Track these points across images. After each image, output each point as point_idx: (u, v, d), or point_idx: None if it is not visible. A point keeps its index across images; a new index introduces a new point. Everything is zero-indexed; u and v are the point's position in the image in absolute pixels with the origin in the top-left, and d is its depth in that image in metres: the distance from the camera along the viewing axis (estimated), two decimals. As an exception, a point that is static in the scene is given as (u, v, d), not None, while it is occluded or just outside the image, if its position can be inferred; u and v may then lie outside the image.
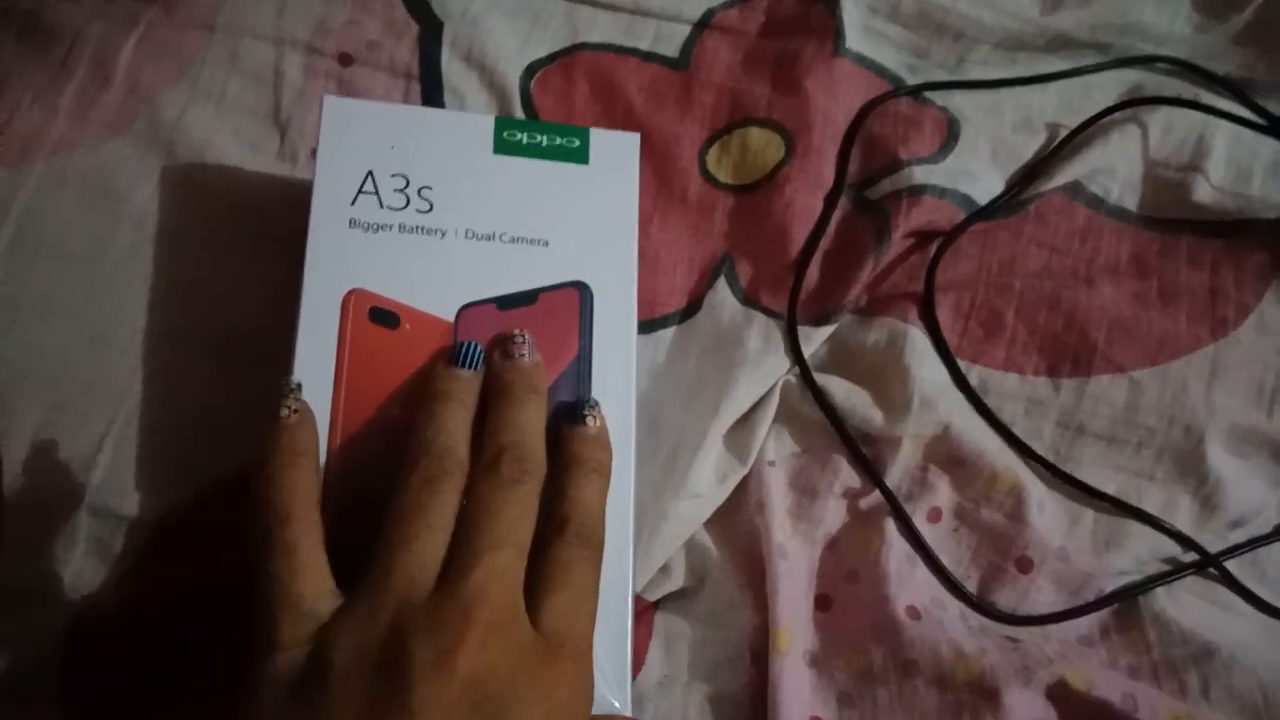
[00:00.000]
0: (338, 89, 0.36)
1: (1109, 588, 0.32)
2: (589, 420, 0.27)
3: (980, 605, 0.32)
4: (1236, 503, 0.33)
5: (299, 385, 0.26)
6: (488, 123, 0.31)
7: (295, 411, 0.26)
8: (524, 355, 0.27)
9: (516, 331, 0.28)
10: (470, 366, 0.27)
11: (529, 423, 0.26)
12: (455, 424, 0.25)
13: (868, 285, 0.36)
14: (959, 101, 0.38)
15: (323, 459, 0.27)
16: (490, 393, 0.27)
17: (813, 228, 0.36)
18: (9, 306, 0.32)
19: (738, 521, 0.33)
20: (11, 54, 0.35)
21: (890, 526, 0.32)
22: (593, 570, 0.25)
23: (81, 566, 0.30)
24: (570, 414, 0.27)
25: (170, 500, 0.31)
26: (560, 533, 0.24)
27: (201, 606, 0.30)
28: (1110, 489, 0.33)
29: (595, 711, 0.26)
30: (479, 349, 0.27)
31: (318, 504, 0.24)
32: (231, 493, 0.30)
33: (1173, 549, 0.33)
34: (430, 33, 0.37)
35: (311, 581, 0.23)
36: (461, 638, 0.21)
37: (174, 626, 0.30)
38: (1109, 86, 0.39)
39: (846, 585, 0.32)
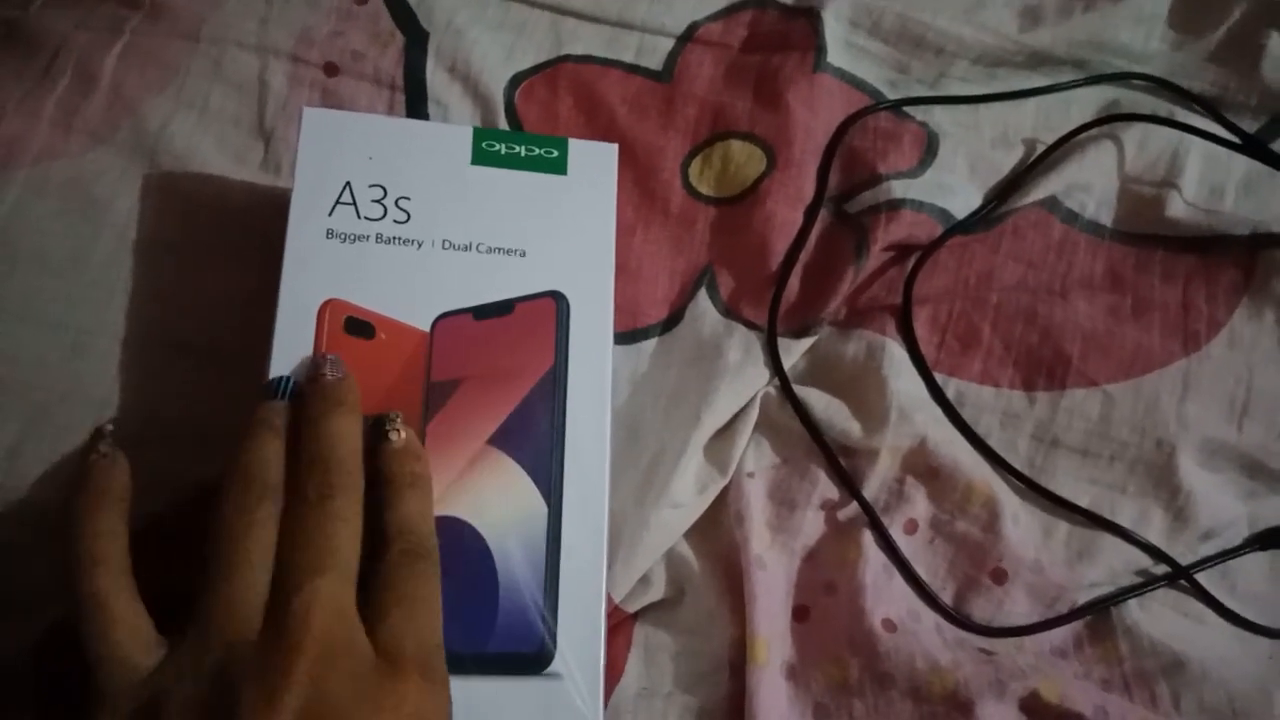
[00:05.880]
0: (322, 99, 0.36)
1: (1082, 599, 0.32)
2: (392, 435, 0.26)
3: (956, 616, 0.32)
4: (1207, 516, 0.33)
5: (113, 430, 0.25)
6: (466, 134, 0.32)
7: (105, 455, 0.25)
8: (325, 375, 0.26)
9: (320, 355, 0.27)
10: (283, 397, 0.26)
11: (334, 434, 0.25)
12: (264, 450, 0.24)
13: (847, 298, 0.36)
14: (938, 116, 0.38)
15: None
16: (299, 417, 0.26)
17: (793, 241, 0.36)
18: (-12, 314, 0.32)
19: (717, 533, 0.33)
20: (-6, 61, 0.35)
21: (867, 538, 0.33)
22: (427, 581, 0.24)
23: (58, 576, 0.30)
24: (373, 432, 0.26)
25: (148, 508, 0.31)
26: (387, 552, 0.24)
27: (177, 613, 0.30)
28: (1083, 501, 0.34)
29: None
30: (290, 380, 0.27)
31: (128, 549, 0.23)
32: (205, 499, 0.30)
33: (1145, 561, 0.33)
34: (415, 43, 0.38)
35: (126, 633, 0.22)
36: (290, 674, 0.20)
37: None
38: (1086, 103, 0.39)
39: (824, 596, 0.33)
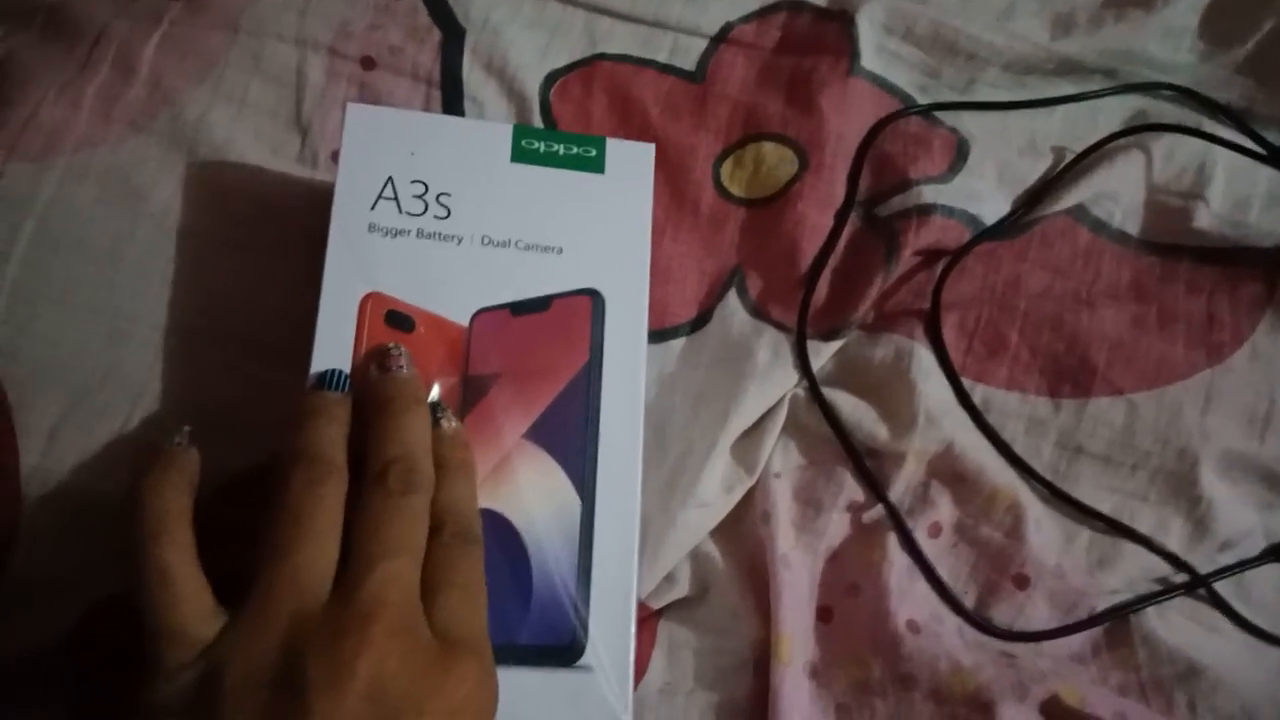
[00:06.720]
0: (359, 93, 0.37)
1: (1101, 606, 0.33)
2: (443, 423, 0.27)
3: (977, 620, 0.33)
4: (1226, 526, 0.34)
5: (191, 431, 0.26)
6: (506, 131, 0.32)
7: (179, 443, 0.26)
8: (402, 368, 0.27)
9: (392, 345, 0.28)
10: (337, 389, 0.27)
11: (414, 434, 0.26)
12: (328, 434, 0.25)
13: (875, 302, 0.36)
14: (968, 122, 0.39)
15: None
16: (371, 407, 0.26)
17: (823, 244, 0.36)
18: (29, 301, 0.32)
19: (743, 532, 0.34)
20: (35, 49, 0.35)
21: (892, 540, 0.33)
22: (476, 566, 0.25)
23: (96, 560, 0.30)
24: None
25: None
26: (438, 535, 0.24)
27: (221, 594, 0.30)
28: (1105, 509, 0.34)
29: (599, 717, 0.26)
30: (343, 373, 0.27)
31: (192, 525, 0.24)
32: (245, 487, 0.30)
33: (1164, 569, 0.34)
34: (452, 39, 0.38)
35: (189, 603, 0.22)
36: (360, 647, 0.21)
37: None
38: (1114, 112, 0.40)
39: (848, 597, 0.33)
